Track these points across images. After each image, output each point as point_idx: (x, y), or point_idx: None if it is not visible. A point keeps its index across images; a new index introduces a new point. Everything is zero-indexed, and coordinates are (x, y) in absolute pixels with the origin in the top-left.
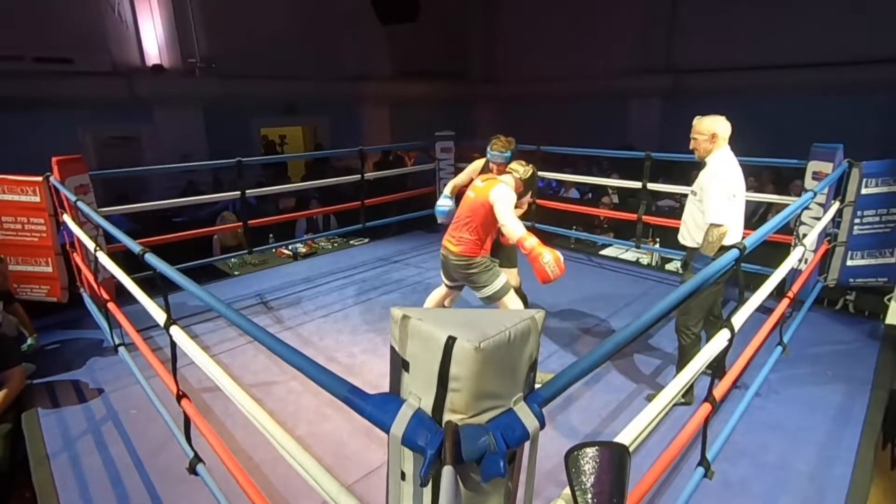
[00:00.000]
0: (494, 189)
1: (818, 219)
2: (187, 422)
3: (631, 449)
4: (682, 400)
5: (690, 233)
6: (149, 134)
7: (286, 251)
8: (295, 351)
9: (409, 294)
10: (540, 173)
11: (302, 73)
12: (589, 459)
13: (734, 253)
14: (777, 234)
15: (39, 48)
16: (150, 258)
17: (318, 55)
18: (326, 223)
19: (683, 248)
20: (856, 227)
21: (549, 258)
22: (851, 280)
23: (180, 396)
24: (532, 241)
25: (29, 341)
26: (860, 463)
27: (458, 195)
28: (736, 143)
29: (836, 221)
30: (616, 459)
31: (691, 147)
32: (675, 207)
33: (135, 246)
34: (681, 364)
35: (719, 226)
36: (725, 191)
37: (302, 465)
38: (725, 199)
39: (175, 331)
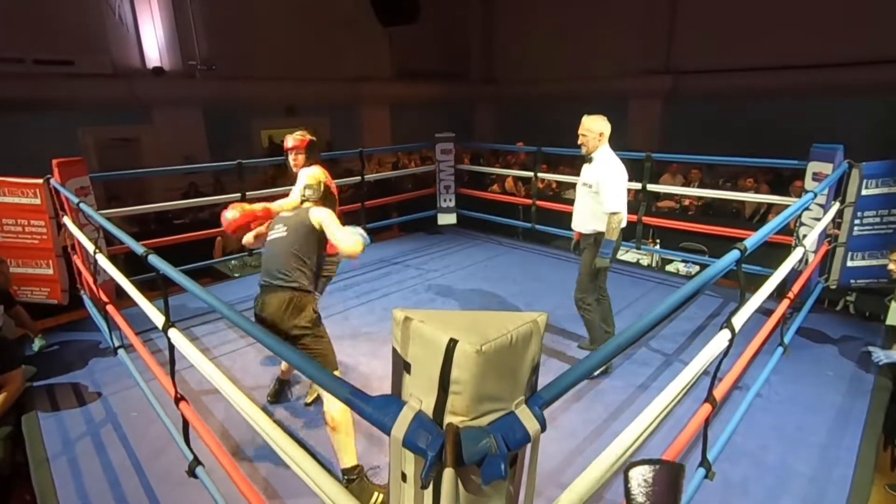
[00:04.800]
0: None
1: (818, 219)
2: (186, 424)
3: (632, 450)
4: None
5: (586, 221)
6: (149, 136)
7: None
8: (296, 352)
9: (409, 296)
10: (541, 175)
11: (302, 75)
12: (647, 476)
13: (735, 254)
14: (777, 234)
15: (40, 50)
16: (154, 260)
17: (318, 56)
18: None
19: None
20: (856, 228)
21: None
22: (853, 281)
23: (178, 399)
24: None
25: (37, 342)
26: (861, 463)
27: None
28: (736, 144)
29: (836, 222)
30: (673, 478)
31: (580, 142)
32: (676, 209)
33: (138, 248)
34: (592, 335)
35: (617, 213)
36: (620, 183)
37: (301, 467)
38: (623, 189)
39: (173, 333)
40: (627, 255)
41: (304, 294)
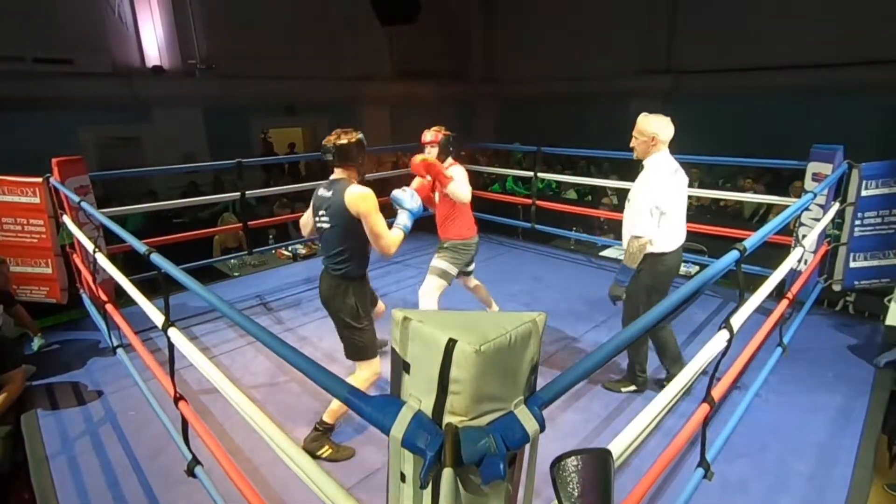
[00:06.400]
0: None
1: (818, 220)
2: (185, 424)
3: (630, 450)
4: (634, 388)
5: (626, 237)
6: (149, 135)
7: (286, 252)
8: (296, 351)
9: (409, 296)
10: (540, 175)
11: (302, 74)
12: (573, 468)
13: (734, 254)
14: (777, 235)
15: (40, 49)
16: (156, 258)
17: (318, 56)
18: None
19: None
20: (857, 229)
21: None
22: (856, 283)
23: (178, 398)
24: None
25: (37, 341)
26: (860, 463)
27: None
28: (736, 144)
29: (836, 223)
30: (600, 465)
31: (631, 145)
32: None
33: (140, 246)
34: (667, 354)
35: (639, 238)
36: (650, 204)
37: (301, 468)
38: (647, 212)
39: (173, 332)
40: None
41: (349, 282)
